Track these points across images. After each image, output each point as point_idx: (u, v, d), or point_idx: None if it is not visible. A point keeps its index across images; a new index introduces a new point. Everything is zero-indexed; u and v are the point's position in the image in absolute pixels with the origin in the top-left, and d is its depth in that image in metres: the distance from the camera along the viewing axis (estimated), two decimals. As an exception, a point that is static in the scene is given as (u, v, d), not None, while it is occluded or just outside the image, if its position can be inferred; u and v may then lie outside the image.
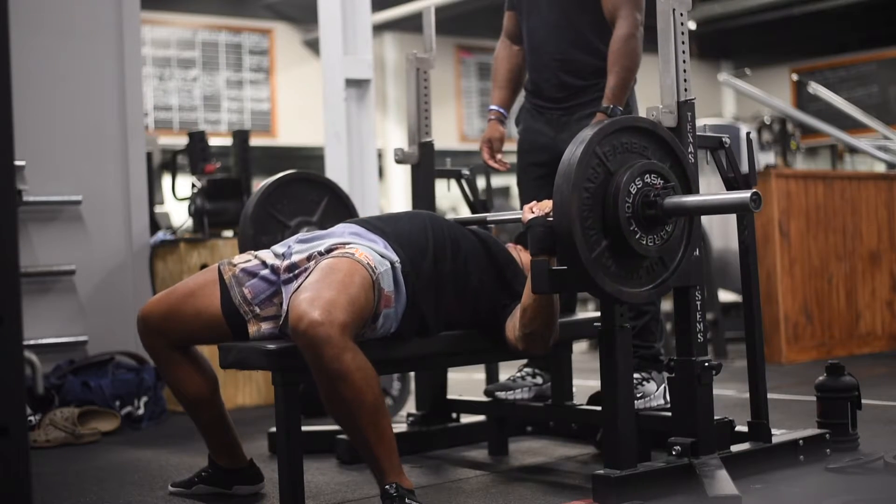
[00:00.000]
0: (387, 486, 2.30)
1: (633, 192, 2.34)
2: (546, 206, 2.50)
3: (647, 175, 2.37)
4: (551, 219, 2.41)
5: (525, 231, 2.87)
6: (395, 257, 2.51)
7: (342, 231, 2.62)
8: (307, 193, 3.35)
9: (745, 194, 2.34)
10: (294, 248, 2.58)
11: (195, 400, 2.67)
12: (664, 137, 2.46)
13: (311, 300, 2.26)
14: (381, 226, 2.62)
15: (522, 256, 2.81)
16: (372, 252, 2.47)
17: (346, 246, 2.49)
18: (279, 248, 2.63)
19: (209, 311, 2.57)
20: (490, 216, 3.03)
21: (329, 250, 2.50)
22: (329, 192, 3.40)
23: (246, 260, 2.62)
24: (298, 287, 2.40)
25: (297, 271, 2.51)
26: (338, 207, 3.40)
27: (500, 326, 2.70)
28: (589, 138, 2.33)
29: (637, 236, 2.35)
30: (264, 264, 2.59)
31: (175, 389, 2.68)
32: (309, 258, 2.51)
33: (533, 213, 2.51)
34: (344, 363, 2.22)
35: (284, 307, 2.45)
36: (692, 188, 2.48)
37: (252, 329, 2.54)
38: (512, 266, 2.76)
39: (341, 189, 3.46)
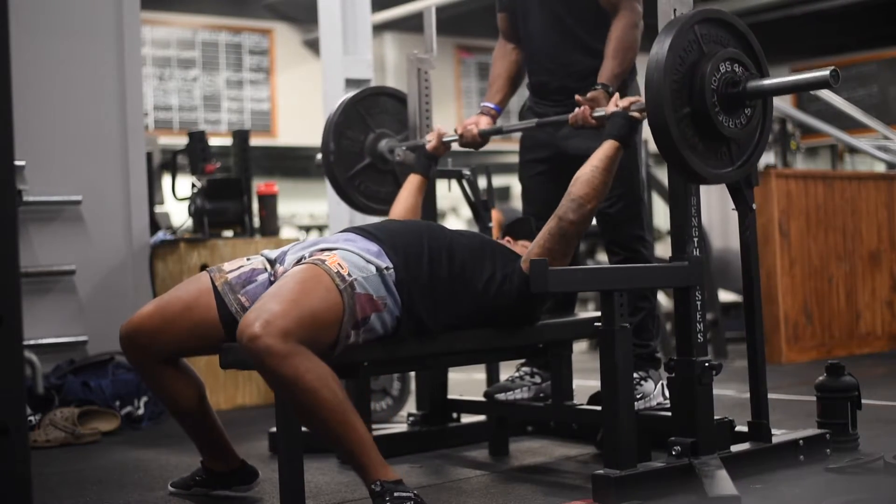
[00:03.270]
0: (372, 486, 2.28)
1: (718, 78, 2.51)
2: (628, 101, 2.75)
3: (729, 62, 2.54)
4: (632, 113, 2.72)
5: (514, 222, 2.93)
6: (386, 263, 2.48)
7: (337, 238, 2.60)
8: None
9: (824, 72, 2.47)
10: (289, 253, 2.59)
11: (186, 411, 2.66)
12: (739, 29, 2.62)
13: (255, 313, 2.24)
14: (377, 233, 2.60)
15: (516, 248, 2.81)
16: (355, 257, 2.45)
17: (325, 252, 2.47)
18: (272, 254, 2.63)
19: (206, 322, 2.54)
20: (545, 120, 3.11)
21: (311, 255, 2.50)
22: None
23: (238, 266, 2.61)
24: None
25: None
26: None
27: (507, 309, 2.69)
28: (676, 31, 2.47)
29: (721, 118, 2.52)
30: (264, 269, 2.59)
31: (166, 403, 2.67)
32: (298, 263, 2.51)
33: (617, 105, 2.76)
34: (289, 368, 2.19)
35: None
36: (765, 74, 2.64)
37: None
38: (510, 258, 2.74)
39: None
